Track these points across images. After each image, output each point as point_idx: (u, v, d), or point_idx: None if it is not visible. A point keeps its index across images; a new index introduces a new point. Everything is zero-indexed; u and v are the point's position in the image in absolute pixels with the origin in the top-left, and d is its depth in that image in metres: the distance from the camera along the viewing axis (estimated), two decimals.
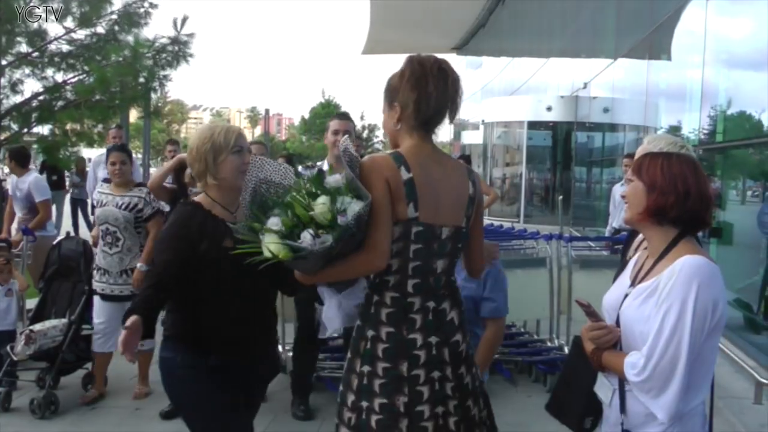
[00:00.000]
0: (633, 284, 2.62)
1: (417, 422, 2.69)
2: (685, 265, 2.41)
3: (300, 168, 2.95)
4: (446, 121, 2.85)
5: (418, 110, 2.75)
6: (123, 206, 6.06)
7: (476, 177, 2.97)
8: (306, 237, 2.48)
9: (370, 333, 2.73)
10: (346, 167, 2.60)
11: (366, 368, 2.72)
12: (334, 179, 2.55)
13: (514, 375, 6.96)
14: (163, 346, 3.23)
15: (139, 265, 6.02)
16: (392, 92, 2.82)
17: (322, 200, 2.51)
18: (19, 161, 8.35)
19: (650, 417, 2.48)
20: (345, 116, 5.77)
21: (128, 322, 2.75)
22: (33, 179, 8.33)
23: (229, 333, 3.16)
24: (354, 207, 2.50)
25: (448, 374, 2.78)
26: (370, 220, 2.57)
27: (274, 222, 2.56)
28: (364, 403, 2.70)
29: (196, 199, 3.32)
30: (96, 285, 6.15)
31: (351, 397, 2.74)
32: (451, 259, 2.84)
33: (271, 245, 2.51)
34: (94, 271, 6.19)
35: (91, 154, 14.66)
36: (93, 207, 8.45)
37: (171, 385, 3.26)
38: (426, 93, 2.72)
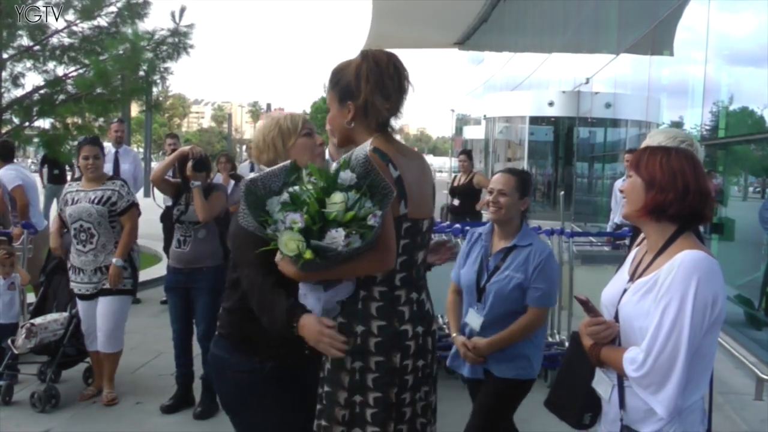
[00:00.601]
0: (632, 279, 2.62)
1: (400, 408, 2.76)
2: (685, 260, 2.40)
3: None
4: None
5: (377, 113, 2.74)
6: (96, 200, 5.87)
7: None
8: (336, 238, 2.42)
9: (359, 328, 2.70)
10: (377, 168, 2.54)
11: (357, 364, 2.70)
12: (348, 176, 2.49)
13: None
14: (216, 343, 3.15)
15: (114, 260, 5.88)
16: (344, 90, 2.77)
17: (340, 198, 2.45)
18: (1, 155, 8.31)
19: (650, 413, 2.47)
20: None
21: (317, 330, 2.63)
22: (2, 171, 8.24)
23: (289, 338, 2.87)
24: (370, 205, 2.47)
25: (429, 362, 2.88)
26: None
27: (294, 219, 2.46)
28: (358, 398, 2.70)
29: None
30: (72, 285, 6.05)
31: (343, 395, 2.71)
32: (426, 249, 2.93)
33: (294, 243, 2.45)
34: (70, 272, 6.06)
35: None
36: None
37: (222, 385, 3.18)
38: (385, 95, 2.73)
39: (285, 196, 2.55)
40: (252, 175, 2.68)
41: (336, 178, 2.50)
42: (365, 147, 2.56)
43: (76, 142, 11.79)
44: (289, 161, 2.72)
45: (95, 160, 5.93)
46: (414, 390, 2.80)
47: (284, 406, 3.05)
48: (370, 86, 2.71)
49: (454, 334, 4.17)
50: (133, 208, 6.05)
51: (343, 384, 2.72)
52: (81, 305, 6.04)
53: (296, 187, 2.55)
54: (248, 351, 3.02)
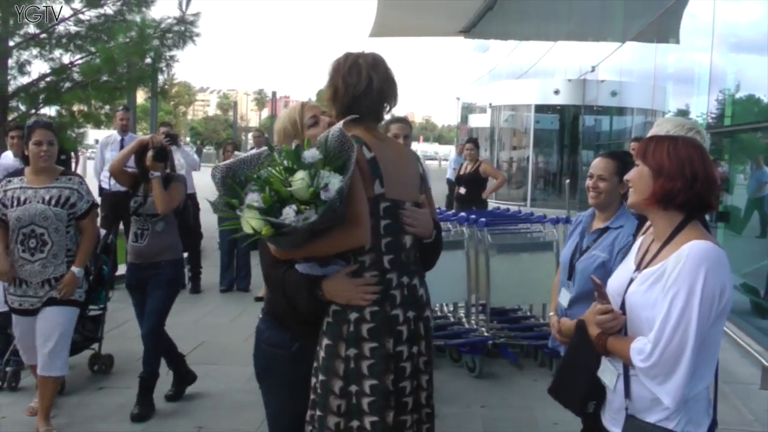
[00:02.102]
0: (638, 269, 2.61)
1: (400, 398, 2.79)
2: (693, 251, 2.40)
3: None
4: (386, 108, 3.02)
5: (334, 102, 2.94)
6: (52, 201, 5.07)
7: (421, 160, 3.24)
8: (289, 213, 2.52)
9: (352, 315, 2.75)
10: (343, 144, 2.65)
11: (352, 351, 2.74)
12: (311, 154, 2.59)
13: (520, 359, 6.96)
14: (262, 318, 3.24)
15: (74, 269, 5.13)
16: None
17: (301, 175, 2.55)
18: None
19: (655, 402, 2.48)
20: (405, 120, 5.52)
21: (344, 286, 2.77)
22: None
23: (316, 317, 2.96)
24: (335, 181, 2.55)
25: (423, 349, 2.90)
26: (349, 196, 2.63)
27: (253, 198, 2.58)
28: (354, 388, 2.73)
29: None
30: (9, 298, 5.23)
31: (338, 384, 2.74)
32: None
33: (252, 221, 2.55)
34: (5, 284, 5.32)
35: (99, 135, 14.65)
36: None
37: (256, 353, 3.25)
38: (341, 86, 2.91)
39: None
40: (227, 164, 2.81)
41: (298, 156, 2.60)
42: (339, 124, 2.68)
43: (81, 130, 11.86)
44: (265, 147, 2.84)
45: (50, 147, 5.08)
46: (413, 378, 2.83)
47: (305, 390, 3.08)
48: (329, 83, 2.97)
49: (551, 313, 4.19)
50: (94, 210, 5.38)
51: (338, 372, 2.75)
52: (20, 321, 5.26)
53: (265, 169, 2.68)
54: (281, 327, 3.09)
